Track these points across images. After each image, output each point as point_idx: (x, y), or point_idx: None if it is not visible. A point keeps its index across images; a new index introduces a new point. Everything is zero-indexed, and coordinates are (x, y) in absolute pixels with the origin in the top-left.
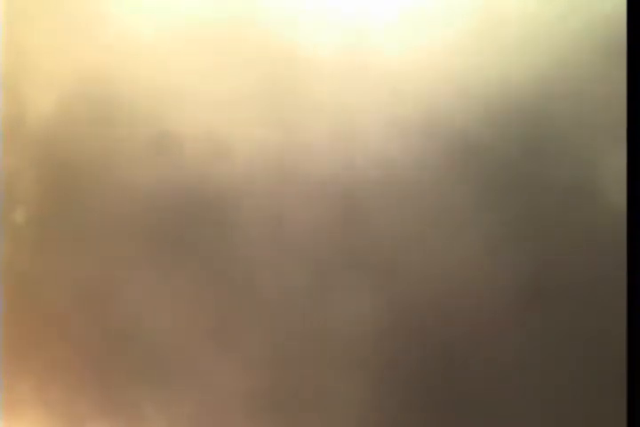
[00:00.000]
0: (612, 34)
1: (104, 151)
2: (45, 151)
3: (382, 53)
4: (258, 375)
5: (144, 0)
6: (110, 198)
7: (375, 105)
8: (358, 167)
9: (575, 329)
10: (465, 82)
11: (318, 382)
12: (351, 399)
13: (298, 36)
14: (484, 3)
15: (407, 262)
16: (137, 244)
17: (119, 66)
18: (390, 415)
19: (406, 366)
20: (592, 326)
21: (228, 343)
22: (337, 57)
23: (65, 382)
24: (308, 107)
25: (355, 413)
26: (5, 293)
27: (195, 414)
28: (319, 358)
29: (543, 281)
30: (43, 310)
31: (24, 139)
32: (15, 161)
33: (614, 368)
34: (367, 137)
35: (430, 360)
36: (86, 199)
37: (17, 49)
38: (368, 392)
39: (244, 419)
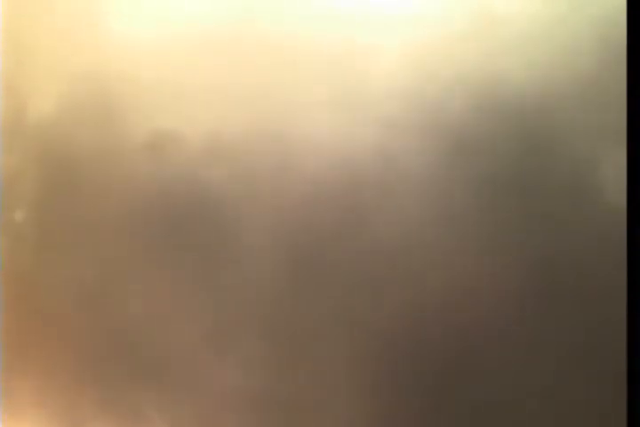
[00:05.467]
0: (612, 34)
1: (104, 151)
2: (45, 151)
3: (381, 52)
4: (258, 376)
5: (144, 0)
6: (110, 198)
7: (374, 104)
8: (358, 168)
9: (575, 329)
10: (464, 81)
11: (319, 383)
12: (351, 400)
13: (297, 35)
14: (484, 2)
15: (407, 262)
16: (137, 244)
17: (119, 66)
18: (390, 416)
19: (407, 365)
20: (592, 326)
21: (228, 344)
22: (336, 56)
23: (65, 383)
24: (307, 106)
25: (355, 413)
26: (5, 293)
27: (195, 415)
28: (319, 360)
29: (543, 281)
30: (43, 310)
31: (24, 139)
32: (15, 161)
33: (614, 368)
34: (366, 137)
35: (430, 359)
36: (86, 199)
37: (17, 49)
38: (368, 393)
39: (244, 419)
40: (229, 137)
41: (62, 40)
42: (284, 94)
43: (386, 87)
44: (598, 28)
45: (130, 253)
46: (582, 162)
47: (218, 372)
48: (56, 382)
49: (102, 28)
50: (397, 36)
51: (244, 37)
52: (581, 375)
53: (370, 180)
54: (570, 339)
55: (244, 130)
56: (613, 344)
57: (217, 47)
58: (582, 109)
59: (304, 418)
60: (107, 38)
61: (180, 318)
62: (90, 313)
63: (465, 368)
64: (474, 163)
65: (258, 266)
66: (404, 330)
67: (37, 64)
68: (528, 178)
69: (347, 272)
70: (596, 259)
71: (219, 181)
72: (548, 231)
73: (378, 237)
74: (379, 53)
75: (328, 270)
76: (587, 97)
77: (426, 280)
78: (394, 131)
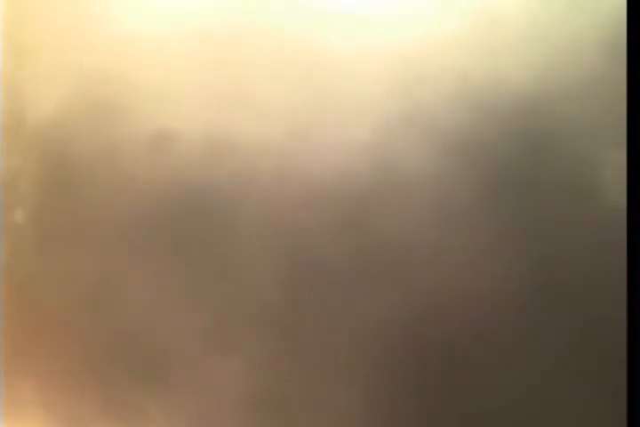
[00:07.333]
0: (612, 34)
1: (104, 151)
2: (45, 151)
3: (381, 51)
4: (259, 376)
5: (144, 0)
6: (110, 199)
7: (374, 105)
8: (359, 168)
9: (575, 329)
10: (464, 82)
11: (319, 383)
12: (351, 400)
13: (297, 36)
14: (483, 3)
15: (407, 263)
16: (137, 244)
17: (119, 66)
18: (391, 416)
19: (408, 365)
20: (592, 326)
21: (229, 344)
22: (335, 56)
23: (66, 382)
24: (306, 107)
25: (355, 414)
26: (5, 293)
27: (197, 415)
28: (320, 360)
29: (543, 281)
30: (43, 310)
31: (24, 139)
32: (15, 161)
33: (614, 368)
34: (365, 138)
35: (431, 360)
36: (87, 200)
37: (17, 49)
38: (369, 394)
39: (245, 420)
40: (229, 138)
41: (62, 41)
42: (285, 96)
43: (385, 88)
44: (598, 28)
45: (130, 253)
46: (582, 162)
47: (219, 372)
48: (57, 383)
49: (102, 29)
50: (396, 36)
51: (245, 39)
52: (581, 376)
53: (369, 180)
54: (570, 339)
55: (245, 132)
56: (613, 344)
57: (217, 48)
58: (582, 109)
59: (304, 418)
60: (107, 40)
61: (181, 318)
62: (91, 313)
63: (464, 368)
64: (473, 163)
65: (258, 266)
66: (405, 330)
67: (37, 65)
68: (528, 178)
69: (347, 273)
70: (596, 259)
71: (218, 182)
72: (548, 231)
73: (377, 238)
74: (378, 54)
75: (328, 271)
76: (587, 97)
77: (426, 281)
78: (393, 131)
